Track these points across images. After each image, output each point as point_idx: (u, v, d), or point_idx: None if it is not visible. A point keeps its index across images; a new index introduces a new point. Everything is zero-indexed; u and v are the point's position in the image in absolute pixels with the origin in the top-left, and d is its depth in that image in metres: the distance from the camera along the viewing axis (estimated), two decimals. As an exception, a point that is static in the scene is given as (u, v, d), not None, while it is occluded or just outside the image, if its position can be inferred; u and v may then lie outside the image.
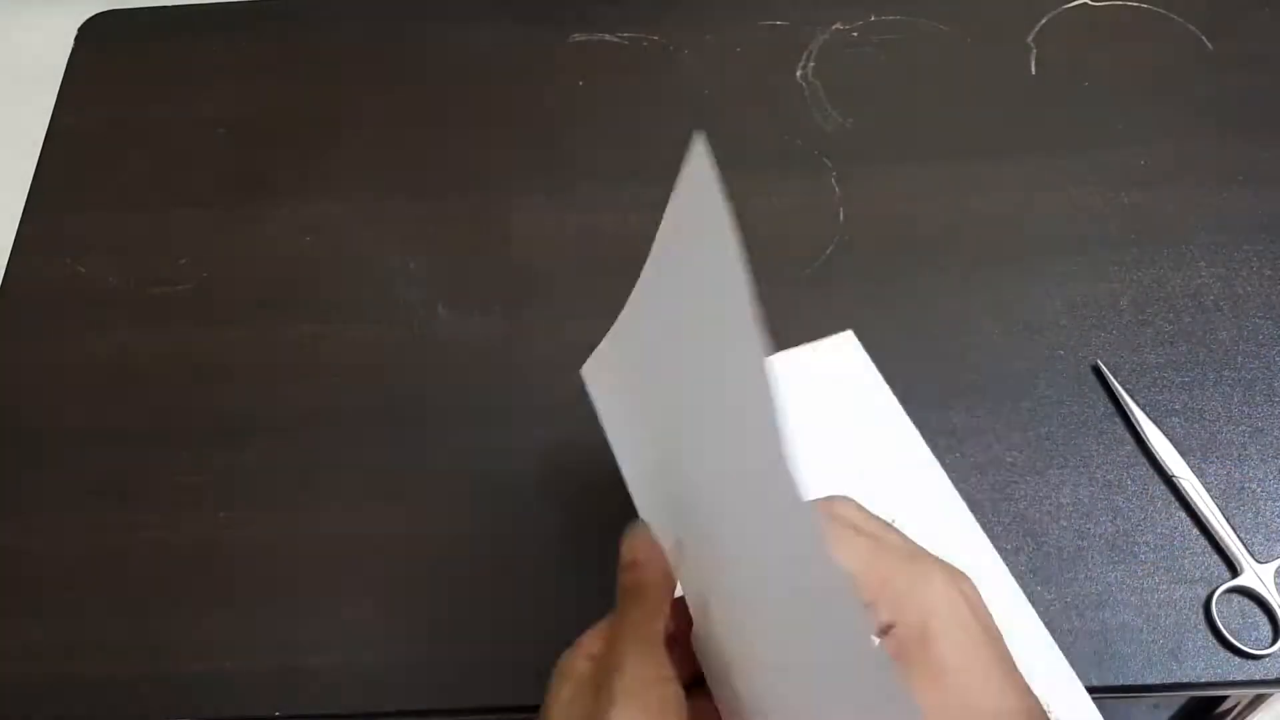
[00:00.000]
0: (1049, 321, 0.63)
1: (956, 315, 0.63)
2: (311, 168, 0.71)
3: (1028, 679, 0.40)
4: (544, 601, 0.56)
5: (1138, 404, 0.59)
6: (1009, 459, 0.59)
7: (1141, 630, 0.54)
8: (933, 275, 0.65)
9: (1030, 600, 0.54)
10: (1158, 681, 0.53)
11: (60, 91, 0.76)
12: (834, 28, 0.75)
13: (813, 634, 0.35)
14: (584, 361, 0.63)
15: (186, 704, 0.55)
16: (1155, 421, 0.59)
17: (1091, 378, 0.61)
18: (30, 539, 0.60)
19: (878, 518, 0.43)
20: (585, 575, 0.56)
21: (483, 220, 0.69)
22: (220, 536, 0.59)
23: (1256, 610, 0.54)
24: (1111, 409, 0.60)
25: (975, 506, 0.57)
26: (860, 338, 0.61)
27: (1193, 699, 0.76)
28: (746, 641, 0.40)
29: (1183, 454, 0.58)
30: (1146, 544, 0.56)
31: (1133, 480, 0.58)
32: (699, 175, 0.40)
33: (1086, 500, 0.57)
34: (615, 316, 0.64)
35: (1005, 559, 0.55)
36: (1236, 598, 0.55)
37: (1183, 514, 0.57)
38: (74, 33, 0.79)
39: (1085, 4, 0.75)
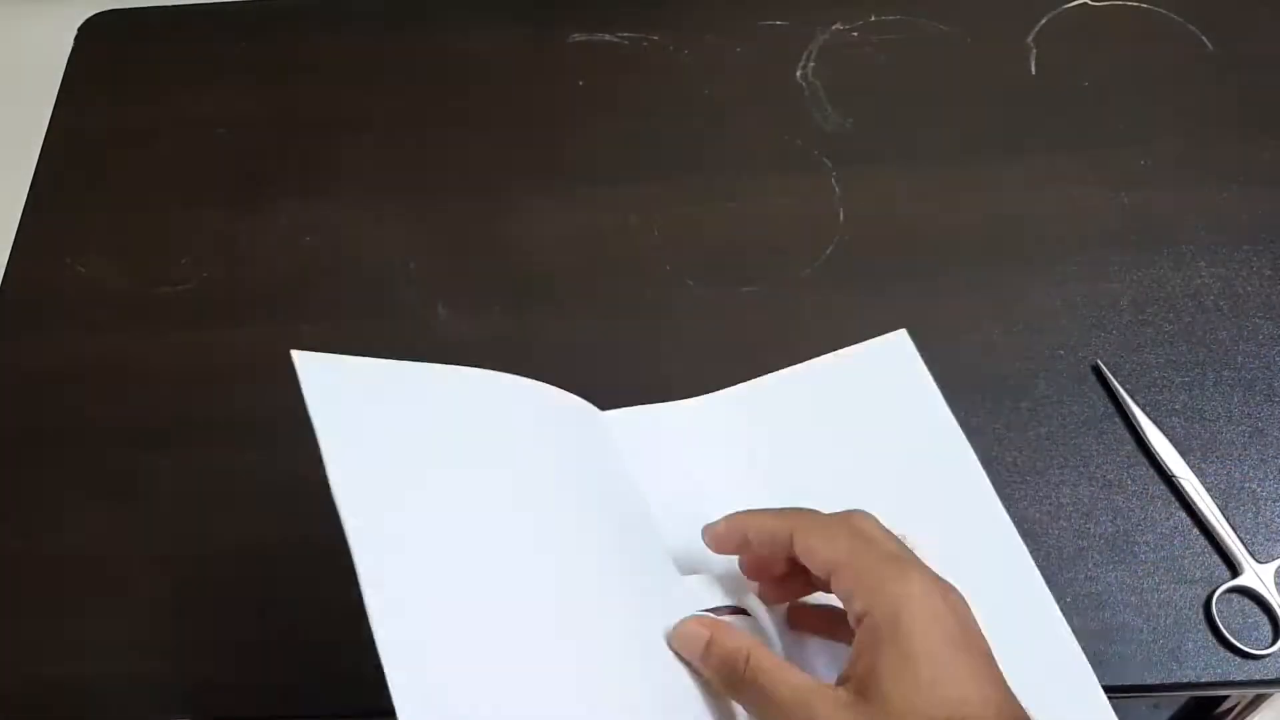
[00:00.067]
0: (1049, 321, 0.63)
1: (956, 315, 0.63)
2: (311, 168, 0.71)
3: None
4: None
5: (1138, 404, 0.59)
6: (1009, 459, 0.59)
7: (1141, 630, 0.54)
8: (933, 275, 0.65)
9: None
10: (1158, 681, 0.53)
11: (60, 91, 0.76)
12: (834, 28, 0.75)
13: None
14: (582, 361, 0.63)
15: (186, 704, 0.55)
16: (1155, 421, 0.59)
17: (1091, 378, 0.61)
18: (30, 539, 0.60)
19: (888, 531, 0.44)
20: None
21: (483, 220, 0.69)
22: (219, 536, 0.59)
23: (1256, 610, 0.54)
24: (1111, 409, 0.60)
25: (975, 506, 0.57)
26: (860, 338, 0.61)
27: (1193, 699, 0.76)
28: None
29: (1183, 454, 0.58)
30: (1146, 544, 0.56)
31: (1133, 480, 0.58)
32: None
33: (1086, 500, 0.57)
34: (615, 316, 0.64)
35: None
36: (1236, 598, 0.55)
37: (1183, 514, 0.57)
38: (74, 33, 0.79)
39: (1085, 4, 0.75)
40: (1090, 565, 0.56)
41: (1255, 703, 0.69)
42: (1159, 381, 0.61)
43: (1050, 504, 0.57)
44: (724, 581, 0.49)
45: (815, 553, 0.43)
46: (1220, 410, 0.60)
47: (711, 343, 0.63)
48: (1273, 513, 0.57)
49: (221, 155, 0.72)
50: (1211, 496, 0.57)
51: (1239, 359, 0.61)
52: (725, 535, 0.48)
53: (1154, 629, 0.54)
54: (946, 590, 0.41)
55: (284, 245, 0.68)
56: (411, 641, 0.39)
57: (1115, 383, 0.60)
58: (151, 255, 0.69)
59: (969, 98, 0.72)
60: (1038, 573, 0.54)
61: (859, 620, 0.41)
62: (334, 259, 0.68)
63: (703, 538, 0.48)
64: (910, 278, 0.65)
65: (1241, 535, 0.56)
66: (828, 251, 0.66)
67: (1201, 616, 0.54)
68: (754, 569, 0.49)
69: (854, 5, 0.76)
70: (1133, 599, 0.55)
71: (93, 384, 0.64)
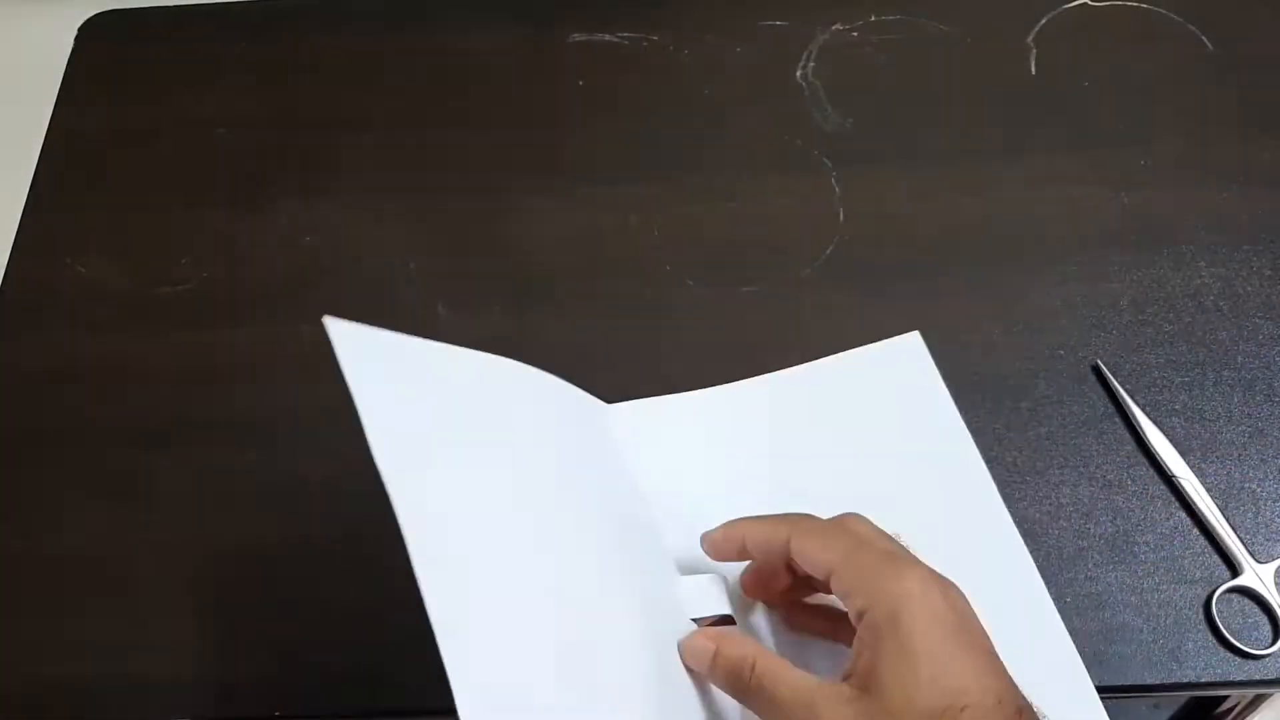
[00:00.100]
0: (1049, 321, 0.63)
1: (956, 315, 0.63)
2: (311, 168, 0.71)
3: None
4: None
5: (1138, 404, 0.59)
6: (1009, 459, 0.59)
7: (1141, 630, 0.54)
8: (933, 275, 0.65)
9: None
10: (1158, 681, 0.53)
11: (60, 91, 0.76)
12: (834, 28, 0.75)
13: None
14: (582, 360, 0.63)
15: (187, 704, 0.55)
16: (1155, 421, 0.59)
17: (1091, 378, 0.61)
18: (30, 539, 0.60)
19: (883, 531, 0.45)
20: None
21: (483, 220, 0.69)
22: (219, 536, 0.59)
23: (1256, 610, 0.54)
24: (1111, 409, 0.60)
25: (975, 506, 0.57)
26: (860, 338, 0.61)
27: (1193, 699, 0.76)
28: None
29: (1183, 454, 0.58)
30: (1146, 544, 0.56)
31: (1133, 480, 0.58)
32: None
33: (1086, 500, 0.57)
34: (615, 316, 0.64)
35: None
36: (1236, 598, 0.55)
37: (1183, 514, 0.57)
38: (74, 33, 0.79)
39: (1085, 4, 0.75)
40: (1090, 565, 0.56)
41: (1255, 703, 0.69)
42: (1159, 381, 0.61)
43: (1050, 504, 0.57)
44: (721, 585, 0.49)
45: (812, 555, 0.44)
46: (1220, 410, 0.60)
47: (711, 343, 0.63)
48: (1273, 513, 0.57)
49: (221, 155, 0.72)
50: (1211, 496, 0.57)
51: (1239, 359, 0.61)
52: (723, 542, 0.48)
53: (1154, 629, 0.54)
54: (945, 586, 0.41)
55: (284, 245, 0.68)
56: (457, 605, 0.40)
57: (1115, 383, 0.60)
58: (151, 255, 0.69)
59: (969, 98, 0.72)
60: (1038, 576, 0.54)
61: (859, 618, 0.41)
62: (334, 259, 0.68)
63: (701, 545, 0.49)
64: (910, 278, 0.65)
65: (1241, 535, 0.56)
66: (828, 251, 0.66)
67: (1201, 616, 0.54)
68: (755, 586, 0.49)
69: (854, 5, 0.76)
70: (1133, 599, 0.55)
71: (93, 384, 0.64)
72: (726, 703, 0.46)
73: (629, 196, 0.69)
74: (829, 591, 0.44)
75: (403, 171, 0.71)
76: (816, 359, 0.60)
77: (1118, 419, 0.60)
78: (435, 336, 0.65)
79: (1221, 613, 0.54)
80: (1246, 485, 0.57)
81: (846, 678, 0.41)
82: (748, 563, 0.49)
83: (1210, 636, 0.54)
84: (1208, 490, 0.57)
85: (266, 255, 0.68)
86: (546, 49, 0.76)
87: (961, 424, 0.57)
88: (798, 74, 0.73)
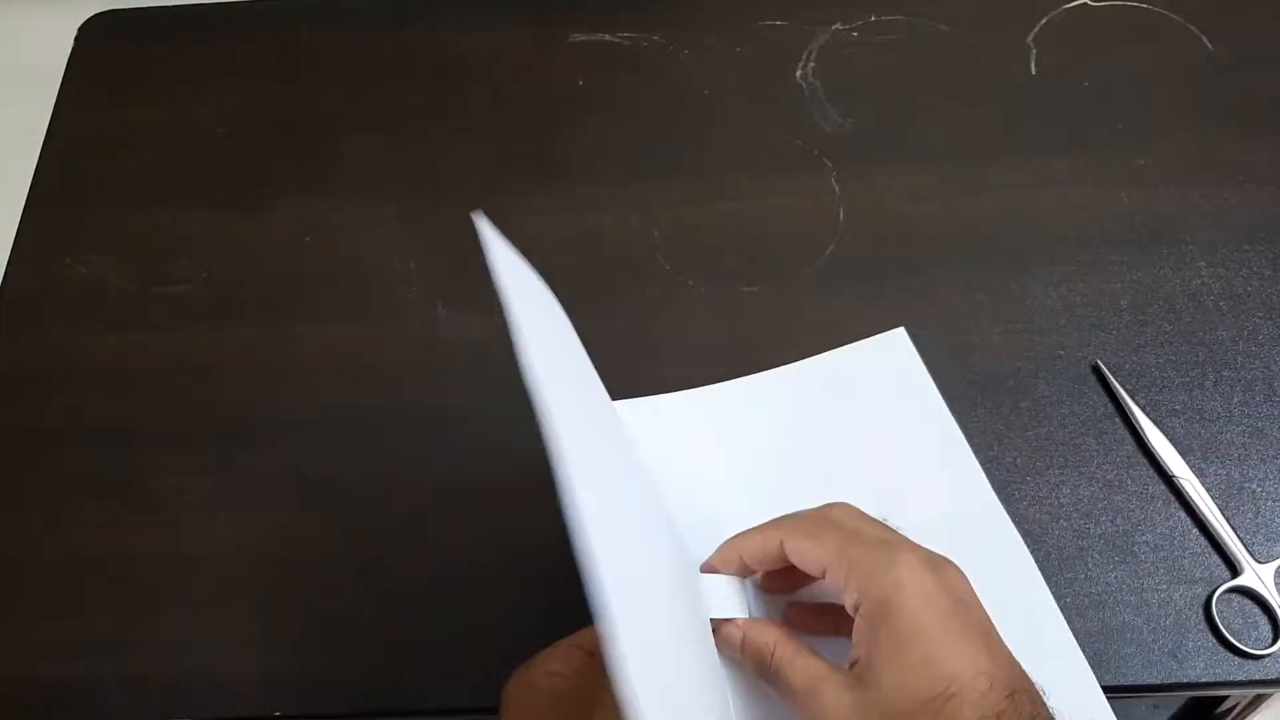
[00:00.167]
0: (1049, 321, 0.63)
1: (956, 315, 0.63)
2: (311, 168, 0.71)
3: (1042, 673, 0.41)
4: (543, 603, 0.56)
5: (1138, 404, 0.59)
6: (1009, 459, 0.59)
7: (1141, 630, 0.54)
8: (933, 275, 0.65)
9: (1030, 600, 0.54)
10: (1158, 681, 0.53)
11: (60, 91, 0.76)
12: (834, 28, 0.75)
13: None
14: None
15: (187, 704, 0.55)
16: (1155, 421, 0.59)
17: (1091, 378, 0.61)
18: (30, 539, 0.60)
19: (869, 517, 0.46)
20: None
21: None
22: (220, 536, 0.59)
23: (1256, 610, 0.54)
24: (1111, 409, 0.60)
25: (975, 506, 0.57)
26: (860, 337, 0.61)
27: (1193, 699, 0.76)
28: None
29: (1183, 454, 0.58)
30: (1146, 544, 0.56)
31: (1133, 480, 0.58)
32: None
33: (1086, 500, 0.57)
34: (615, 316, 0.64)
35: (1005, 559, 0.55)
36: (1236, 598, 0.55)
37: (1183, 514, 0.57)
38: (74, 33, 0.79)
39: (1085, 4, 0.75)
40: (1090, 565, 0.56)
41: (1255, 703, 0.69)
42: (1159, 381, 0.61)
43: (1050, 504, 0.57)
44: (739, 586, 0.50)
45: (805, 556, 0.44)
46: (1220, 410, 0.60)
47: (711, 343, 0.63)
48: (1273, 513, 0.57)
49: (221, 155, 0.72)
50: (1211, 496, 0.57)
51: (1239, 359, 0.61)
52: (723, 565, 0.49)
53: (1154, 629, 0.54)
54: (939, 565, 0.42)
55: (284, 245, 0.68)
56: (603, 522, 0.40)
57: (1115, 383, 0.60)
58: (151, 255, 0.69)
59: (969, 98, 0.72)
60: (1033, 562, 0.54)
61: (855, 611, 0.42)
62: (334, 259, 0.68)
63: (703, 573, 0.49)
64: (910, 278, 0.65)
65: (1241, 535, 0.56)
66: (828, 251, 0.66)
67: (1201, 616, 0.54)
68: (774, 585, 0.50)
69: (854, 5, 0.76)
70: (1133, 599, 0.55)
71: (93, 384, 0.64)
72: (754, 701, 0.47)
73: (629, 196, 0.69)
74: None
75: (403, 171, 0.71)
76: (814, 356, 0.60)
77: (1118, 419, 0.60)
78: (435, 336, 0.65)
79: (1221, 613, 0.54)
80: (1246, 485, 0.57)
81: (851, 665, 0.42)
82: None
83: (1210, 636, 0.54)
84: (1208, 490, 0.57)
85: (266, 255, 0.68)
86: (546, 49, 0.76)
87: (950, 416, 0.58)
88: (798, 74, 0.73)
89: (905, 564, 0.41)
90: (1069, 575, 0.55)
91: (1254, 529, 0.56)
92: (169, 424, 0.62)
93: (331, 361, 0.64)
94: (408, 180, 0.71)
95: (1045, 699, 0.41)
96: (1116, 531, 0.57)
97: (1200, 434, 0.59)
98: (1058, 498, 0.58)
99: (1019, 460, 0.59)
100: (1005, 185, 0.68)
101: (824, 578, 0.44)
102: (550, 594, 0.56)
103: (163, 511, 0.60)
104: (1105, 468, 0.58)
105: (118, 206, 0.71)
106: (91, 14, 0.79)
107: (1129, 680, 0.53)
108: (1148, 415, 0.59)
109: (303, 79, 0.75)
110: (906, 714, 0.39)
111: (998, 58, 0.73)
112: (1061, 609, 0.54)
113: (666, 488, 0.54)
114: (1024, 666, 0.41)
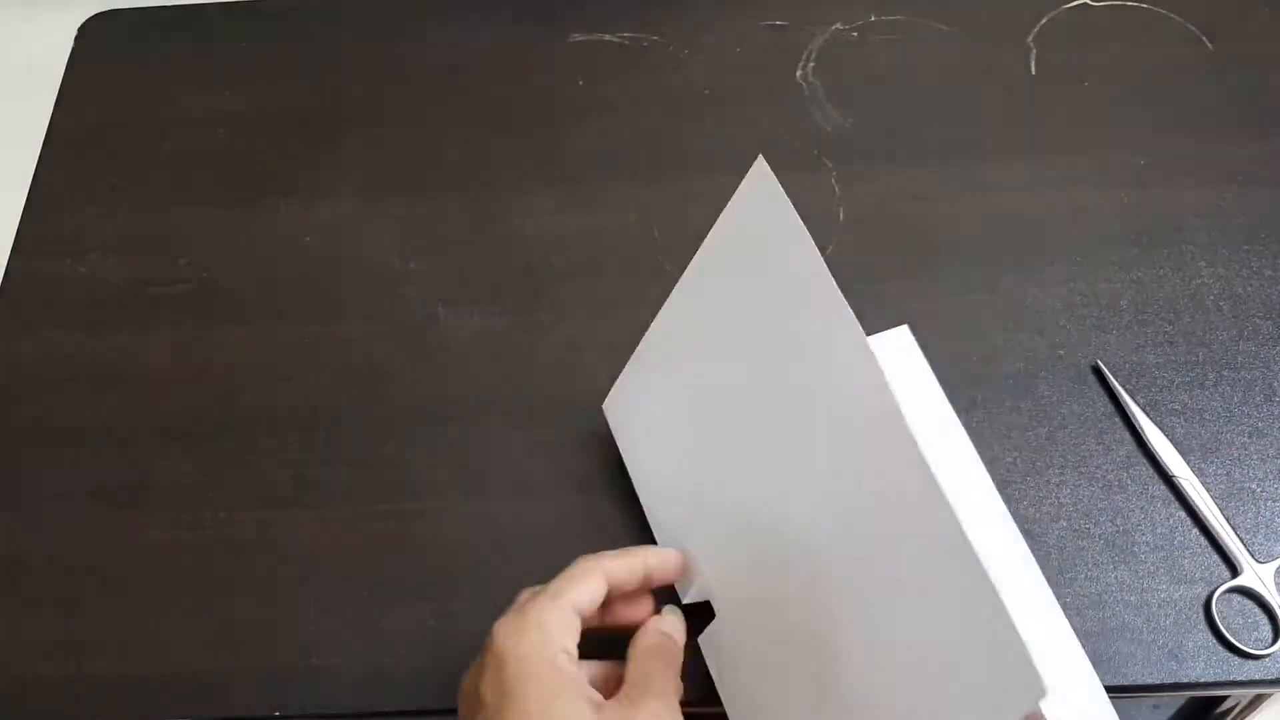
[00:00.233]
0: (1049, 321, 0.63)
1: (956, 315, 0.63)
2: (311, 168, 0.71)
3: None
4: (544, 601, 0.56)
5: (1138, 404, 0.59)
6: (1009, 459, 0.59)
7: (1141, 630, 0.54)
8: (933, 275, 0.65)
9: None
10: (1158, 681, 0.53)
11: (60, 91, 0.76)
12: (834, 28, 0.75)
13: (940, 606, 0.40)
14: (582, 360, 0.63)
15: (187, 704, 0.55)
16: (1155, 421, 0.59)
17: (1091, 378, 0.61)
18: (30, 539, 0.60)
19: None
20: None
21: (483, 220, 0.69)
22: (220, 536, 0.59)
23: (1256, 610, 0.54)
24: (1111, 409, 0.60)
25: (975, 506, 0.57)
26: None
27: (1193, 699, 0.76)
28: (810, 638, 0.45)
29: (1183, 454, 0.58)
30: (1146, 544, 0.56)
31: (1133, 480, 0.58)
32: (762, 185, 0.43)
33: (1086, 500, 0.57)
34: (615, 316, 0.64)
35: (1005, 559, 0.56)
36: (1236, 598, 0.55)
37: (1183, 514, 0.57)
38: (74, 33, 0.79)
39: (1085, 4, 0.75)
40: (1090, 565, 0.56)
41: (1255, 703, 0.69)
42: (1159, 381, 0.61)
43: (1050, 504, 0.57)
44: None
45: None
46: (1220, 410, 0.60)
47: (711, 343, 0.63)
48: (1273, 513, 0.57)
49: (221, 155, 0.72)
50: (1211, 496, 0.57)
51: (1239, 359, 0.61)
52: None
53: (1154, 629, 0.54)
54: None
55: (284, 245, 0.68)
56: None
57: (1115, 383, 0.60)
58: (151, 255, 0.69)
59: (969, 98, 0.72)
60: (1034, 560, 0.54)
61: None
62: (334, 259, 0.68)
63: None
64: (910, 277, 0.65)
65: (1241, 535, 0.56)
66: (828, 251, 0.66)
67: (1201, 616, 0.54)
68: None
69: (854, 5, 0.76)
70: (1133, 599, 0.55)
71: (93, 384, 0.64)
72: None
73: (629, 196, 0.69)
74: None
75: (403, 171, 0.71)
76: None
77: (1118, 419, 0.60)
78: (435, 336, 0.65)
79: (1221, 613, 0.54)
80: (1246, 485, 0.57)
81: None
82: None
83: (1210, 636, 0.54)
84: (1208, 490, 0.57)
85: (266, 255, 0.68)
86: (546, 49, 0.76)
87: (953, 414, 0.58)
88: (798, 74, 0.73)
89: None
90: (1069, 575, 0.55)
91: (1254, 529, 0.56)
92: (169, 424, 0.62)
93: (331, 361, 0.64)
94: (408, 179, 0.71)
95: None
96: (1116, 531, 0.57)
97: (1200, 434, 0.59)
98: (1058, 498, 0.58)
99: (1019, 460, 0.59)
100: (1005, 185, 0.68)
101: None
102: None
103: (162, 511, 0.60)
104: (1105, 468, 0.58)
105: (118, 206, 0.71)
106: (91, 14, 0.79)
107: (1129, 680, 0.53)
108: (1148, 415, 0.59)
109: (303, 79, 0.75)
110: None
111: (998, 58, 0.73)
112: (1061, 609, 0.54)
113: None
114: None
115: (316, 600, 0.57)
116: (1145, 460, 0.58)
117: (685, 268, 0.53)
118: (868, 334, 0.61)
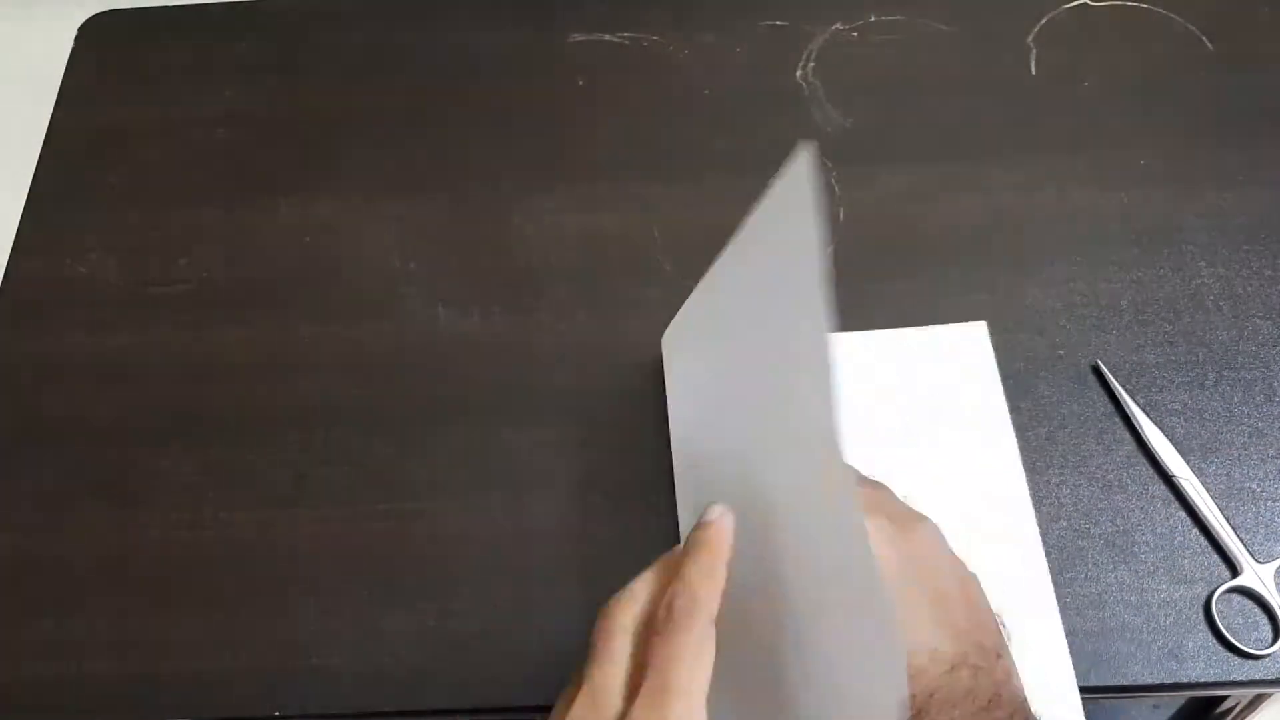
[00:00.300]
0: (1049, 321, 0.63)
1: (956, 315, 0.63)
2: (311, 168, 0.71)
3: (1029, 673, 0.41)
4: (544, 599, 0.56)
5: (1138, 404, 0.59)
6: (1009, 459, 0.59)
7: (1141, 630, 0.54)
8: (933, 275, 0.65)
9: (1030, 600, 0.55)
10: (1158, 681, 0.53)
11: (60, 91, 0.76)
12: (834, 28, 0.75)
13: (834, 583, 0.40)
14: (583, 361, 0.63)
15: (187, 704, 0.55)
16: (1155, 421, 0.59)
17: (1091, 378, 0.61)
18: (30, 539, 0.60)
19: (880, 484, 0.47)
20: (585, 571, 0.56)
21: (482, 220, 0.69)
22: (220, 536, 0.59)
23: (1256, 610, 0.54)
24: (1111, 409, 0.60)
25: (975, 506, 0.57)
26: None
27: (1193, 699, 0.76)
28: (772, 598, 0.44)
29: (1183, 454, 0.58)
30: (1146, 544, 0.56)
31: (1133, 480, 0.58)
32: (798, 177, 0.45)
33: (1086, 500, 0.57)
34: (615, 316, 0.64)
35: (1005, 559, 0.56)
36: (1236, 598, 0.55)
37: (1183, 514, 0.57)
38: (74, 33, 0.79)
39: (1085, 4, 0.75)
40: (1090, 565, 0.56)
41: (1255, 703, 0.69)
42: (1159, 381, 0.61)
43: (1050, 504, 0.57)
44: None
45: None
46: (1220, 410, 0.60)
47: (711, 343, 0.63)
48: (1273, 513, 0.57)
49: (221, 155, 0.72)
50: (1211, 496, 0.57)
51: (1239, 359, 0.61)
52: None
53: (1154, 629, 0.54)
54: (906, 526, 0.41)
55: (284, 245, 0.68)
56: None
57: (1115, 383, 0.60)
58: (151, 255, 0.69)
59: (969, 98, 0.72)
60: (1045, 564, 0.55)
61: None
62: (334, 259, 0.68)
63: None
64: (910, 278, 0.65)
65: (1241, 535, 0.56)
66: (828, 251, 0.66)
67: (1201, 616, 0.54)
68: None
69: (854, 5, 0.76)
70: (1133, 599, 0.55)
71: (93, 383, 0.64)
72: None
73: (629, 196, 0.69)
74: None
75: (403, 171, 0.71)
76: (895, 329, 0.62)
77: (1118, 419, 0.60)
78: (435, 336, 0.65)
79: (1221, 613, 0.54)
80: (1246, 485, 0.57)
81: None
82: None
83: (1210, 636, 0.54)
84: (1208, 490, 0.57)
85: (266, 255, 0.68)
86: (546, 49, 0.76)
87: (1007, 413, 0.59)
88: (798, 74, 0.73)
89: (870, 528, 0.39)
90: (1069, 575, 0.55)
91: (1254, 529, 0.56)
92: (169, 423, 0.62)
93: (331, 361, 0.64)
94: (408, 179, 0.71)
95: (1001, 657, 0.40)
96: (1116, 531, 0.57)
97: (1200, 434, 0.59)
98: (1058, 498, 0.58)
99: (1019, 460, 0.59)
100: (1005, 185, 0.68)
101: None
102: (550, 587, 0.56)
103: (162, 510, 0.60)
104: (1105, 468, 0.58)
105: (118, 206, 0.71)
106: (91, 14, 0.79)
107: (1129, 680, 0.53)
108: (1148, 415, 0.59)
109: (303, 78, 0.75)
110: None
111: (998, 58, 0.73)
112: (1061, 609, 0.54)
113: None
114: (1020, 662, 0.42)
115: (316, 600, 0.57)
116: (1145, 460, 0.58)
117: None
118: (942, 323, 0.62)
